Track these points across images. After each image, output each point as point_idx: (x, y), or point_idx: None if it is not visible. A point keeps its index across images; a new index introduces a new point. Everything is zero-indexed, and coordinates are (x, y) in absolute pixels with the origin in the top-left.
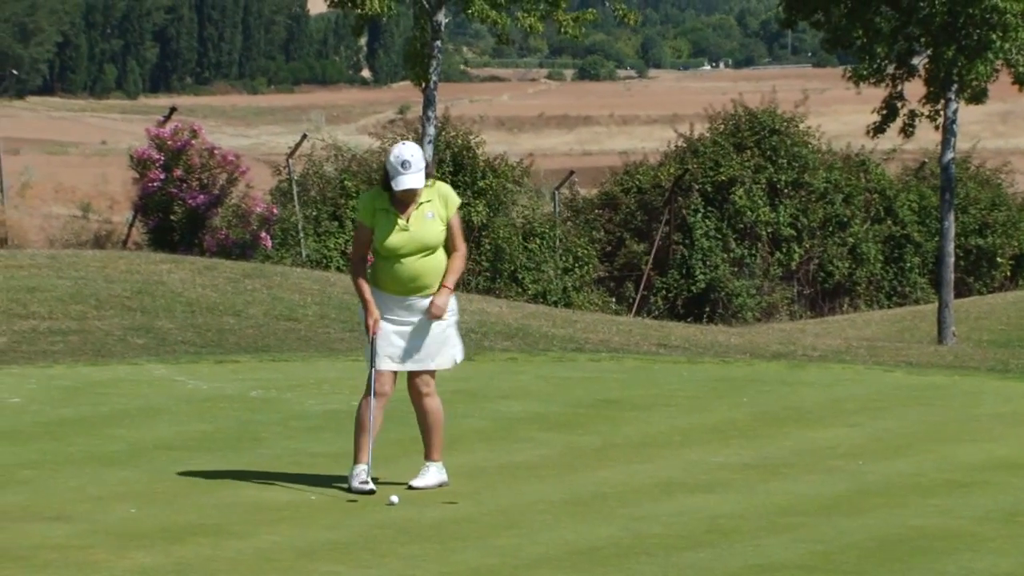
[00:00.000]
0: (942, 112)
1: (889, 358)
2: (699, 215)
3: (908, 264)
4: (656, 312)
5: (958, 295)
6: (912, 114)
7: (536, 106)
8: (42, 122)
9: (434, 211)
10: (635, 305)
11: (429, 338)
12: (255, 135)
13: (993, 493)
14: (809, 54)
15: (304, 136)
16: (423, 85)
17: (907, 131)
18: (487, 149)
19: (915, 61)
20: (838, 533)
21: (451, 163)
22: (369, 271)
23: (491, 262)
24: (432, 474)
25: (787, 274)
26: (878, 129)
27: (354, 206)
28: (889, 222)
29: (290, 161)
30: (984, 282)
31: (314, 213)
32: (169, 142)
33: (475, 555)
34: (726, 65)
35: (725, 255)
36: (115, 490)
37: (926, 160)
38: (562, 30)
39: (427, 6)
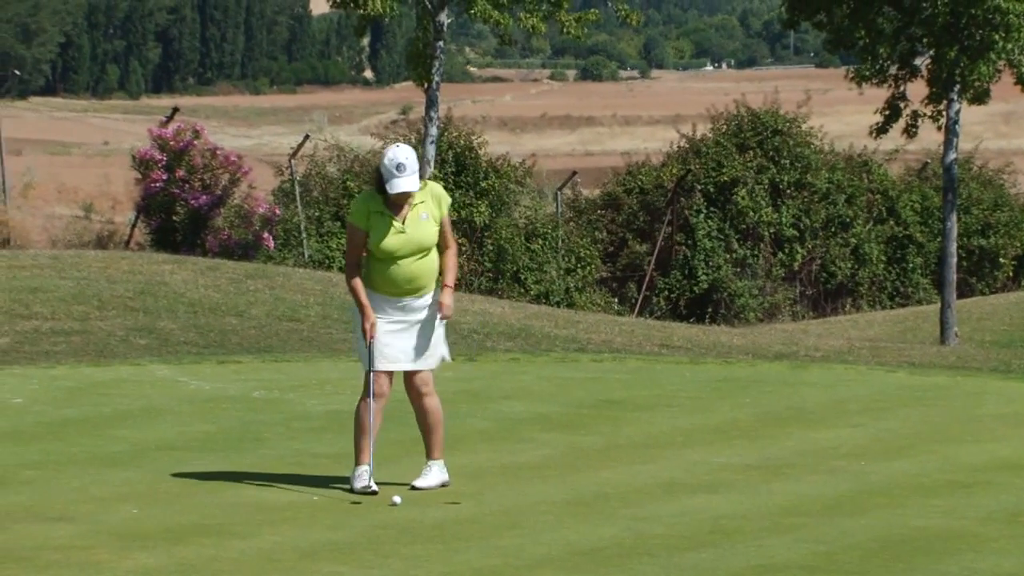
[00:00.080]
0: (944, 113)
1: (891, 359)
2: (701, 215)
3: (910, 265)
4: (658, 313)
5: (960, 296)
6: (915, 115)
7: (538, 106)
8: (44, 122)
9: (428, 212)
10: (637, 306)
11: (425, 337)
12: (257, 135)
13: (996, 493)
14: (811, 54)
15: (306, 137)
16: (425, 85)
17: (910, 132)
18: (489, 149)
19: (917, 62)
20: (840, 533)
21: (453, 163)
22: (362, 272)
23: (493, 263)
24: (434, 474)
25: (789, 275)
26: (880, 130)
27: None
28: (891, 223)
29: (292, 162)
30: (986, 283)
31: (316, 214)
32: (171, 142)
33: (478, 555)
34: (728, 66)
35: (727, 256)
36: (118, 490)
37: (928, 161)
38: (564, 30)
39: (429, 6)
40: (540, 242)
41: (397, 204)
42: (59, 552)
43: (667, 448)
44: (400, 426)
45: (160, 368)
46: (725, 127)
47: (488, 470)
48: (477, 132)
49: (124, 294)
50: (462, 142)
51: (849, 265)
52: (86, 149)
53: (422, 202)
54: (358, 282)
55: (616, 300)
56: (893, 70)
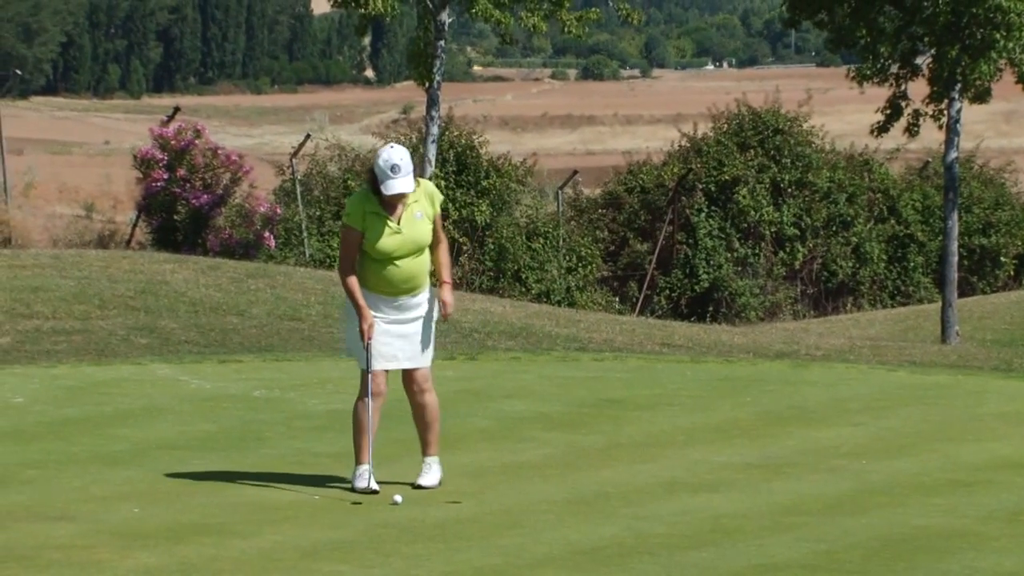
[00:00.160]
0: (946, 112)
1: (893, 357)
2: (703, 214)
3: (912, 263)
4: (659, 312)
5: (962, 294)
6: (916, 114)
7: (540, 106)
8: (46, 122)
9: (422, 211)
10: (638, 305)
11: (421, 334)
12: (258, 135)
13: (997, 492)
14: (813, 54)
15: (307, 136)
16: (427, 85)
17: (911, 131)
18: (491, 149)
19: (919, 61)
20: (841, 532)
21: (455, 163)
22: (356, 272)
23: (495, 262)
24: (435, 471)
25: (791, 273)
26: (882, 128)
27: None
28: (893, 221)
29: (293, 161)
30: (988, 281)
31: (317, 213)
32: (173, 142)
33: (479, 554)
34: (729, 65)
35: (729, 254)
36: (119, 490)
37: (929, 159)
38: (566, 30)
39: (431, 6)
40: (541, 241)
41: (392, 204)
42: (60, 551)
43: (668, 447)
44: (400, 424)
45: (161, 367)
46: (726, 126)
47: (489, 469)
48: (478, 131)
49: (125, 293)
50: (463, 141)
51: (850, 264)
52: (87, 148)
53: (416, 201)
54: (354, 282)
55: (617, 299)
56: (894, 69)
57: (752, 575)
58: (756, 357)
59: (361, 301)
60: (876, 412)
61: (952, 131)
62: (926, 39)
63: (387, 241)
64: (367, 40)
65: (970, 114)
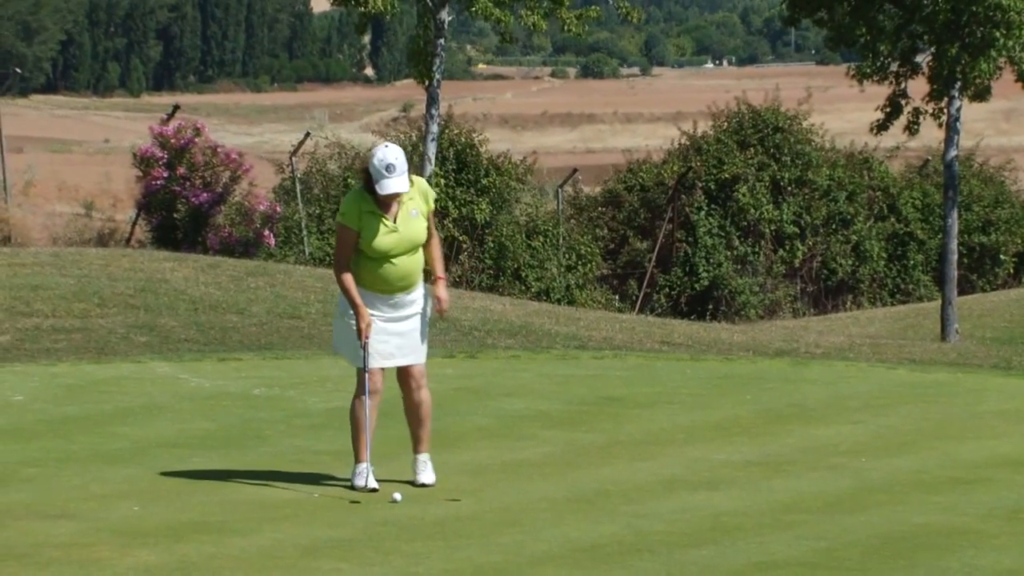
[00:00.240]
0: (945, 110)
1: (892, 355)
2: (702, 213)
3: (911, 261)
4: (659, 310)
5: (961, 292)
6: (916, 112)
7: (539, 104)
8: (45, 120)
9: (417, 208)
10: (638, 303)
11: (416, 331)
12: (258, 133)
13: (996, 490)
14: (812, 52)
15: (307, 134)
16: (426, 83)
17: (911, 129)
18: (490, 147)
19: (919, 59)
20: (841, 530)
21: (455, 161)
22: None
23: (494, 260)
24: (431, 467)
25: (790, 271)
26: (881, 127)
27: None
28: (892, 219)
29: (293, 159)
30: (987, 279)
31: (317, 211)
32: (172, 140)
33: (478, 552)
34: (729, 63)
35: (728, 253)
36: (118, 488)
37: (929, 158)
38: (565, 28)
39: (431, 4)
40: (541, 239)
41: (387, 203)
42: (60, 550)
43: (668, 445)
44: (399, 423)
45: (161, 365)
46: (726, 124)
47: (489, 467)
48: (478, 130)
49: (125, 292)
50: (463, 139)
51: (850, 262)
52: (87, 147)
53: (411, 199)
54: (351, 281)
55: (617, 297)
56: (894, 67)
57: (752, 573)
58: (756, 355)
59: (358, 300)
60: (876, 410)
61: (952, 129)
62: (926, 37)
63: (384, 240)
64: (367, 38)
65: (970, 112)
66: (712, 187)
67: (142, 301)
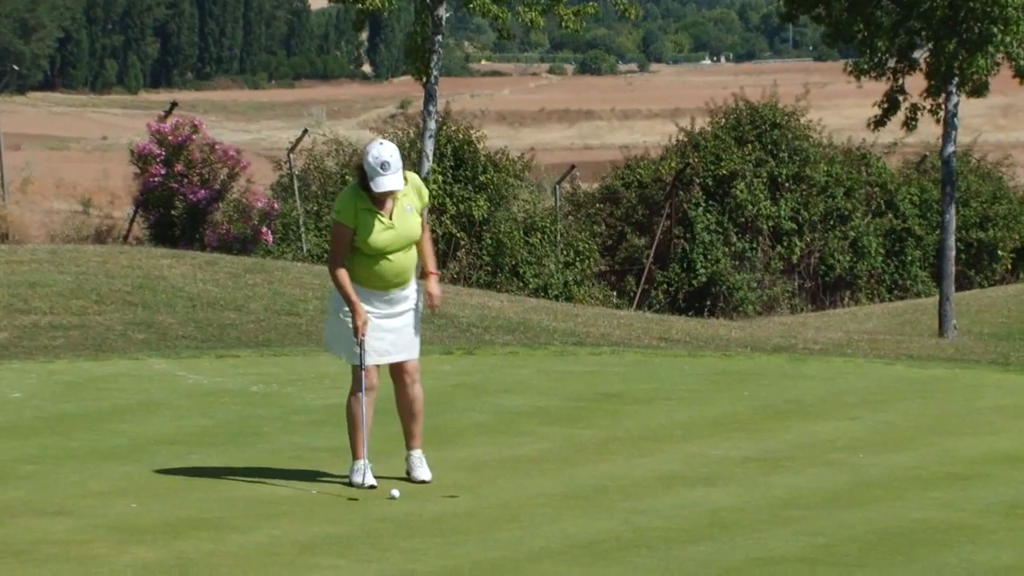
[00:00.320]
0: (943, 106)
1: (890, 351)
2: (700, 209)
3: (909, 257)
4: (657, 306)
5: (959, 288)
6: (913, 108)
7: (537, 100)
8: (43, 118)
9: (412, 204)
10: (636, 299)
11: (410, 326)
12: (256, 130)
13: (994, 486)
14: (810, 48)
15: (305, 131)
16: (424, 80)
17: (909, 125)
18: (488, 144)
19: (916, 55)
20: (839, 526)
21: (452, 157)
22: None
23: (492, 256)
24: (426, 463)
25: (788, 268)
26: (879, 122)
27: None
28: (890, 215)
29: (291, 156)
30: (985, 275)
31: (315, 208)
32: (170, 137)
33: (476, 548)
34: (727, 59)
35: (726, 249)
36: (116, 485)
37: (927, 154)
38: (563, 24)
39: (428, 0)
40: (539, 236)
41: (381, 200)
42: (58, 546)
43: (665, 441)
44: (395, 419)
45: (159, 362)
46: (724, 121)
47: (487, 463)
48: (476, 126)
49: (122, 288)
50: (461, 136)
51: (848, 258)
52: (84, 144)
53: (405, 195)
54: (347, 278)
55: (615, 293)
56: (892, 63)
57: (750, 568)
58: (754, 351)
59: (355, 298)
60: (873, 406)
61: (949, 125)
62: (923, 33)
63: (380, 236)
64: (364, 35)
65: (967, 108)
66: (710, 183)
67: (140, 298)
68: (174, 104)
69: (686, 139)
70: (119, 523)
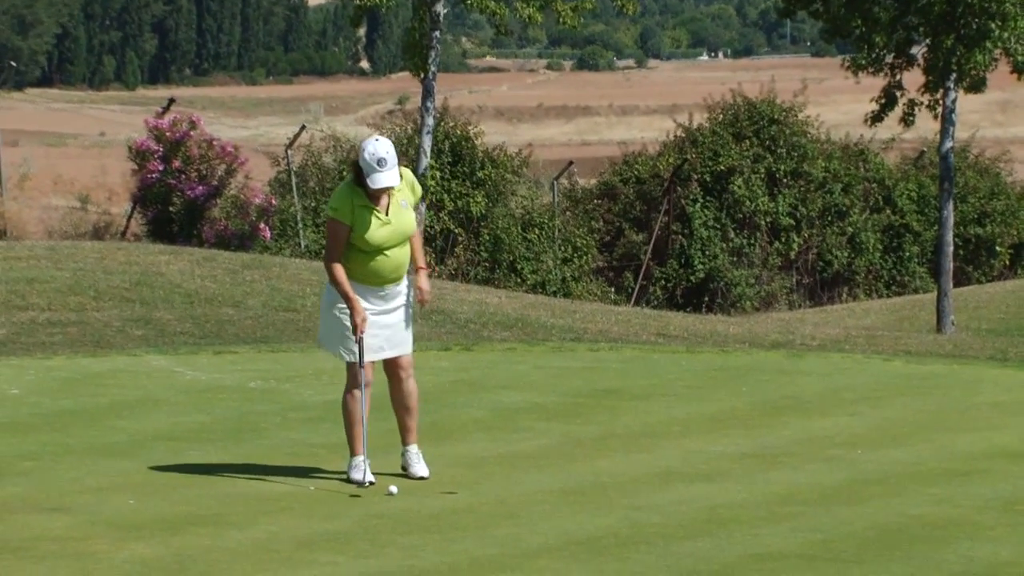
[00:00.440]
0: (941, 101)
1: (888, 347)
2: (698, 205)
3: (907, 253)
4: (655, 302)
5: (957, 284)
6: (911, 103)
7: (535, 96)
8: (41, 114)
9: (406, 199)
10: (634, 295)
11: (404, 322)
12: (254, 126)
13: (992, 482)
14: (808, 44)
15: (303, 127)
16: (422, 76)
17: (907, 120)
18: (486, 139)
19: (914, 50)
20: (837, 522)
21: (450, 154)
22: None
23: (490, 252)
24: (423, 459)
25: (786, 263)
26: (876, 118)
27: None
28: (888, 211)
29: (289, 152)
30: (983, 271)
31: (313, 204)
32: (168, 133)
33: (474, 545)
34: (725, 55)
35: (724, 245)
36: (114, 481)
37: (925, 149)
38: (561, 20)
39: None
40: (537, 232)
41: (376, 196)
42: (56, 543)
43: (664, 437)
44: (391, 415)
45: (156, 359)
46: (721, 116)
47: (485, 459)
48: (473, 122)
49: (120, 285)
50: (459, 132)
51: (845, 254)
52: (82, 140)
53: (399, 190)
54: (344, 276)
55: (613, 289)
56: (889, 59)
57: (748, 565)
58: (752, 347)
59: (353, 295)
60: (872, 402)
61: (947, 121)
62: (921, 29)
63: (378, 233)
64: (362, 31)
65: (965, 104)
66: (708, 179)
67: (138, 294)
68: (172, 100)
69: (684, 135)
70: (117, 519)
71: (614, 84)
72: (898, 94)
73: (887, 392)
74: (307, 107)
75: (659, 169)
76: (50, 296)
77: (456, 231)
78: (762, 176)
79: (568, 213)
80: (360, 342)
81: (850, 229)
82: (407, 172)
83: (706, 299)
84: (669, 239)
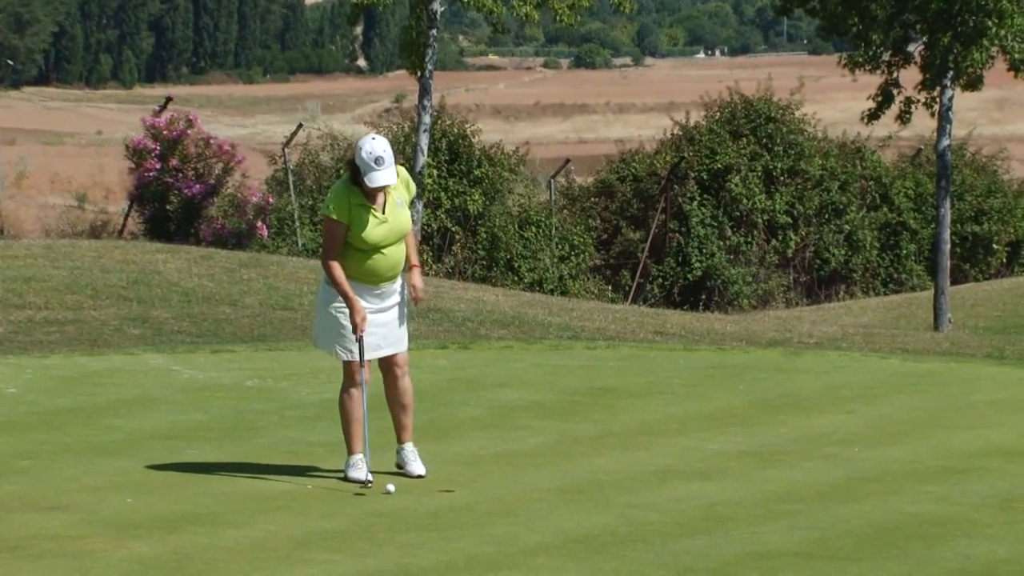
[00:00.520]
0: (938, 99)
1: (885, 345)
2: (695, 203)
3: (904, 251)
4: (652, 300)
5: (954, 282)
6: (908, 101)
7: (532, 95)
8: (38, 112)
9: (401, 197)
10: (631, 293)
11: (399, 319)
12: (251, 124)
13: (989, 479)
14: (805, 41)
15: (300, 125)
16: (419, 74)
17: (903, 118)
18: (483, 138)
19: (911, 48)
20: (834, 520)
21: (447, 152)
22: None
23: (487, 250)
24: (419, 457)
25: (783, 261)
26: (873, 115)
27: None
28: (885, 209)
29: (286, 150)
30: (980, 269)
31: (310, 202)
32: (165, 132)
33: (472, 543)
34: (722, 53)
35: (721, 243)
36: (112, 480)
37: (922, 147)
38: (557, 18)
39: None
40: (534, 230)
41: (372, 194)
42: (53, 541)
43: (661, 435)
44: (387, 413)
45: (154, 357)
46: (718, 114)
47: (482, 458)
48: (471, 120)
49: (118, 283)
50: (456, 130)
51: (842, 252)
52: (79, 139)
53: (395, 188)
54: (342, 275)
55: (610, 288)
56: (886, 56)
57: (745, 562)
58: (749, 345)
59: (352, 294)
60: (869, 400)
61: (944, 118)
62: (918, 26)
63: (375, 231)
64: (359, 29)
65: (962, 101)
66: (705, 177)
67: (135, 293)
68: (169, 99)
69: (681, 133)
70: (114, 518)
71: (611, 82)
72: (895, 92)
73: (884, 390)
74: (304, 105)
75: (656, 167)
76: (47, 295)
77: (453, 229)
78: (759, 174)
79: (565, 211)
80: (360, 341)
81: (847, 227)
82: (402, 170)
83: (703, 297)
84: (666, 237)
